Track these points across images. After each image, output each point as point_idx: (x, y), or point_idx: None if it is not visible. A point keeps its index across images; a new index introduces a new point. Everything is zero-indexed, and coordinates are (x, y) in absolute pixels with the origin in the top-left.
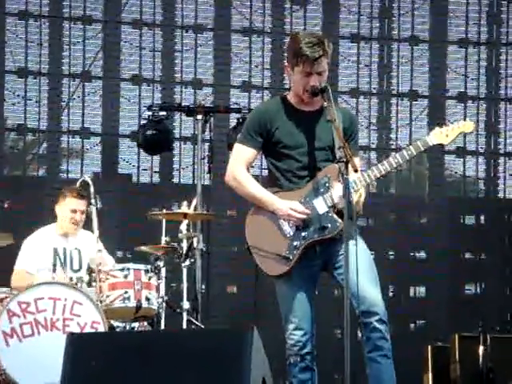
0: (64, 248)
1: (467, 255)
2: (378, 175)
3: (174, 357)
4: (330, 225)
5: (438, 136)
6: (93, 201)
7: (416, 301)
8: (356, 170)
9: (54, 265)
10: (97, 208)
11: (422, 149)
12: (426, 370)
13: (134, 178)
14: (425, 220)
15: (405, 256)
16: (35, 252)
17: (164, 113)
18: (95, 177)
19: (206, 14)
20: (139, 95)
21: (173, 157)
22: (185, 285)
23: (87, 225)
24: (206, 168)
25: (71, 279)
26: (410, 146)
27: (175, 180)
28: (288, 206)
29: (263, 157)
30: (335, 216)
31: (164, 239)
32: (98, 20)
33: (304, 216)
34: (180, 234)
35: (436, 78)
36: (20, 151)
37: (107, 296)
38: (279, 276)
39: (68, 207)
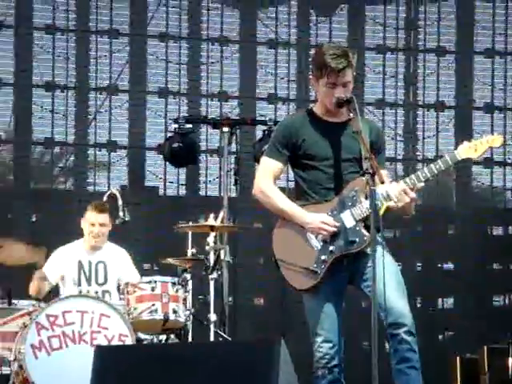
0: (89, 261)
1: (495, 266)
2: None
3: (202, 369)
4: (357, 239)
5: (467, 151)
6: (121, 213)
7: (444, 312)
8: (383, 182)
9: (79, 278)
10: (125, 220)
11: (451, 163)
12: (454, 382)
13: (161, 191)
14: (452, 231)
15: (432, 267)
16: (58, 266)
17: (190, 125)
18: (122, 189)
19: (232, 26)
20: (165, 108)
21: (199, 169)
22: (212, 297)
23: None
24: (233, 180)
25: (96, 293)
26: (439, 161)
27: (202, 192)
28: (319, 219)
29: (289, 169)
30: (363, 230)
31: (190, 251)
32: (125, 33)
33: (334, 229)
34: (207, 247)
35: (462, 89)
36: (47, 164)
37: (134, 308)
38: (307, 289)
39: (88, 221)
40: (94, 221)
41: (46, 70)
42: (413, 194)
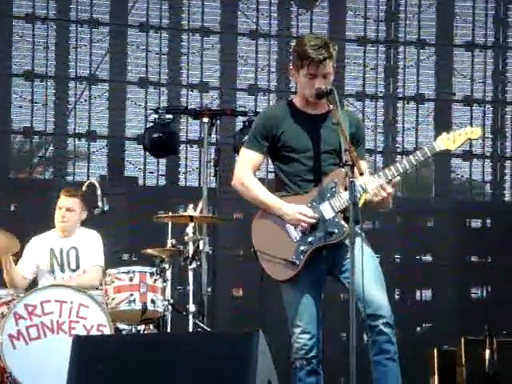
0: (61, 248)
1: (473, 258)
2: (386, 181)
3: (180, 360)
4: (336, 230)
5: (445, 142)
6: (100, 203)
7: (422, 304)
8: (362, 174)
9: (52, 265)
10: (104, 210)
11: (429, 154)
12: (432, 374)
13: (140, 181)
14: (431, 223)
15: (411, 259)
16: (33, 256)
17: (170, 116)
18: (101, 179)
19: (213, 17)
20: (145, 98)
21: (179, 160)
22: (191, 288)
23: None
24: (212, 171)
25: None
26: (417, 152)
27: (181, 183)
28: (297, 210)
29: (269, 160)
30: (342, 221)
31: (170, 242)
32: (105, 23)
33: (313, 220)
34: (186, 237)
35: (442, 82)
36: (26, 154)
37: (113, 299)
38: (286, 280)
39: (58, 205)
40: (60, 204)
41: (25, 59)
42: (390, 189)
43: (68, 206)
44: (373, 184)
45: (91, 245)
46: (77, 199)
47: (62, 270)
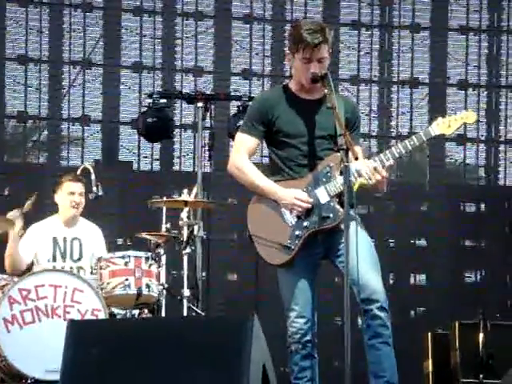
0: (64, 237)
1: (467, 243)
2: (381, 165)
3: (174, 344)
4: (331, 214)
5: (441, 126)
6: (94, 188)
7: (416, 288)
8: (357, 158)
9: (54, 253)
10: (98, 195)
11: (425, 139)
12: (426, 357)
13: (135, 166)
14: (425, 207)
15: (405, 244)
16: (33, 243)
17: (164, 100)
18: (96, 164)
19: (207, 1)
20: (140, 83)
21: (173, 144)
22: (185, 272)
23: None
24: (207, 155)
25: (71, 268)
26: (413, 137)
27: (176, 167)
28: (292, 194)
29: (264, 145)
30: (337, 206)
31: (164, 227)
32: (99, 7)
33: (308, 205)
34: (180, 222)
35: (437, 66)
36: (20, 138)
37: (108, 283)
38: (281, 265)
39: (66, 191)
40: (72, 189)
41: (18, 43)
42: (384, 173)
43: (78, 191)
44: (367, 167)
45: (95, 238)
46: (82, 184)
47: (64, 259)
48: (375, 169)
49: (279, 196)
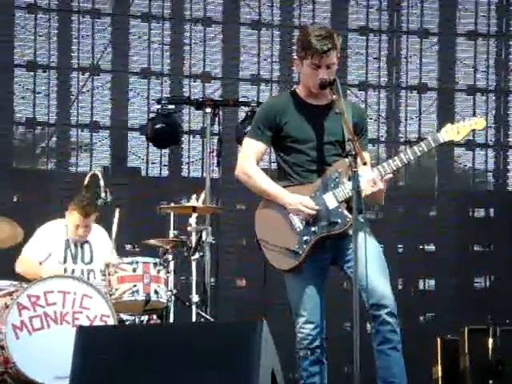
0: (75, 241)
1: (476, 248)
2: (389, 171)
3: (183, 350)
4: (339, 220)
5: (450, 133)
6: (103, 194)
7: (425, 294)
8: (365, 163)
9: (65, 256)
10: (107, 201)
11: (433, 145)
12: (435, 363)
13: (143, 172)
14: (434, 213)
15: (414, 249)
16: (46, 243)
17: (173, 106)
18: (104, 170)
19: (215, 7)
20: (148, 89)
21: (182, 150)
22: (194, 278)
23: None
24: (215, 161)
25: (82, 271)
26: (421, 143)
27: (184, 173)
28: (298, 200)
29: (272, 150)
30: (345, 211)
31: (172, 232)
32: (107, 13)
33: (314, 212)
34: (189, 228)
35: (445, 71)
36: (29, 144)
37: (116, 289)
38: (289, 270)
39: (73, 221)
40: (78, 223)
41: (27, 50)
42: (380, 185)
43: (87, 224)
44: (366, 177)
45: (105, 242)
46: (93, 216)
47: (75, 262)
48: (372, 180)
49: (286, 201)
